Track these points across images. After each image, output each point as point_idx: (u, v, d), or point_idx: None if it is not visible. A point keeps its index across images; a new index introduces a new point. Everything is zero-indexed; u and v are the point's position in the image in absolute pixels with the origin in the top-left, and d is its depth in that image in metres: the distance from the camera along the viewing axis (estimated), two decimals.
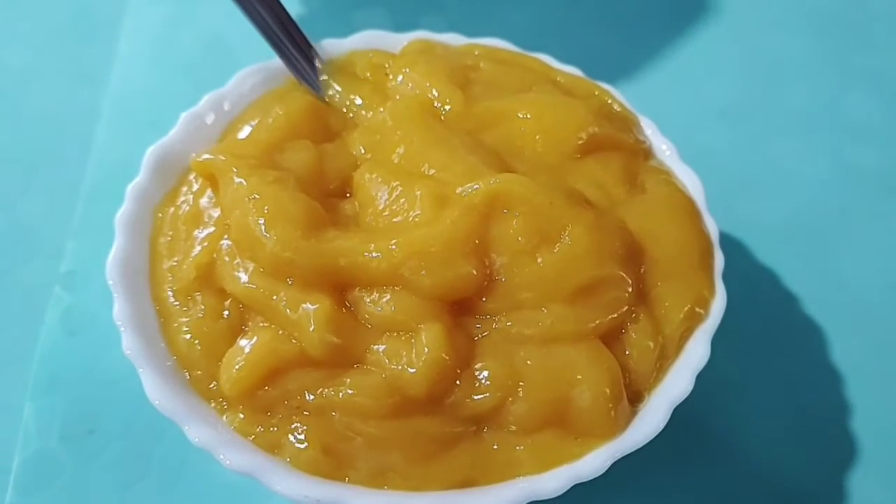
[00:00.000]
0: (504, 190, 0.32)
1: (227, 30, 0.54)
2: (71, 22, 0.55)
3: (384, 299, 0.31)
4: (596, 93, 0.41)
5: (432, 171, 0.34)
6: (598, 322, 0.32)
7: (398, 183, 0.34)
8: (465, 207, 0.32)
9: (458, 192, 0.33)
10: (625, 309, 0.33)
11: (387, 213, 0.33)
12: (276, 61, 0.40)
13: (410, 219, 0.33)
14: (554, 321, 0.32)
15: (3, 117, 0.50)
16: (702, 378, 0.33)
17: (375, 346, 0.31)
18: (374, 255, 0.31)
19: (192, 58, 0.53)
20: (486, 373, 0.31)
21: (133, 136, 0.47)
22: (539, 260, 0.32)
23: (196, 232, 0.35)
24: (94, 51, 0.53)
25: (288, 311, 0.31)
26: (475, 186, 0.33)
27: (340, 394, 0.31)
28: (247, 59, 0.41)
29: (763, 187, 0.48)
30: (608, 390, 0.32)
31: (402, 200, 0.33)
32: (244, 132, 0.38)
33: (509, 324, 0.32)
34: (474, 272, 0.31)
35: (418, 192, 0.33)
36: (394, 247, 0.31)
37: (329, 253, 0.31)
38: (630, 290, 0.33)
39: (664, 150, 0.39)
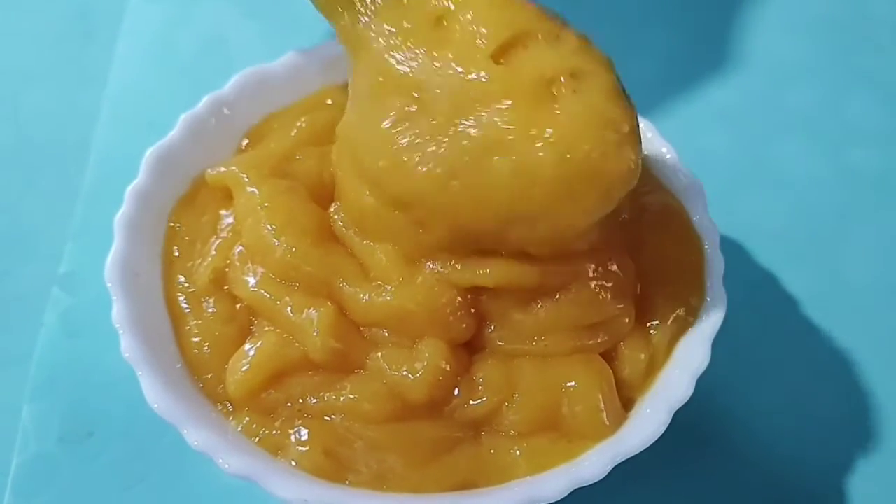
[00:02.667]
0: (490, 282, 0.32)
1: (227, 30, 0.54)
2: (69, 22, 0.54)
3: (380, 330, 0.32)
4: None
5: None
6: (595, 342, 0.33)
7: (363, 235, 0.33)
8: (441, 280, 0.32)
9: (429, 268, 0.32)
10: (623, 333, 0.34)
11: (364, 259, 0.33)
12: (276, 63, 0.40)
13: (388, 275, 0.32)
14: (549, 344, 0.33)
15: (1, 118, 0.50)
16: (702, 381, 0.33)
17: (376, 354, 0.32)
18: (364, 297, 0.32)
19: (192, 58, 0.53)
20: (482, 379, 0.32)
21: (132, 136, 0.47)
22: (538, 307, 0.32)
23: (213, 238, 0.36)
24: (92, 51, 0.53)
25: (292, 315, 0.32)
26: (446, 273, 0.32)
27: (342, 398, 0.32)
28: (246, 62, 0.41)
29: (763, 190, 0.48)
30: (600, 394, 0.32)
31: (374, 251, 0.33)
32: (261, 144, 0.39)
33: (500, 343, 0.33)
34: (464, 327, 0.32)
35: (382, 257, 0.32)
36: (378, 301, 0.31)
37: (331, 268, 0.32)
38: (630, 319, 0.34)
39: (664, 153, 0.39)
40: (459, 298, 0.32)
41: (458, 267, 0.32)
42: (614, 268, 0.33)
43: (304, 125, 0.38)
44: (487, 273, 0.32)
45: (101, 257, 0.34)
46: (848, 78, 0.54)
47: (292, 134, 0.38)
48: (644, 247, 0.36)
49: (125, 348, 0.32)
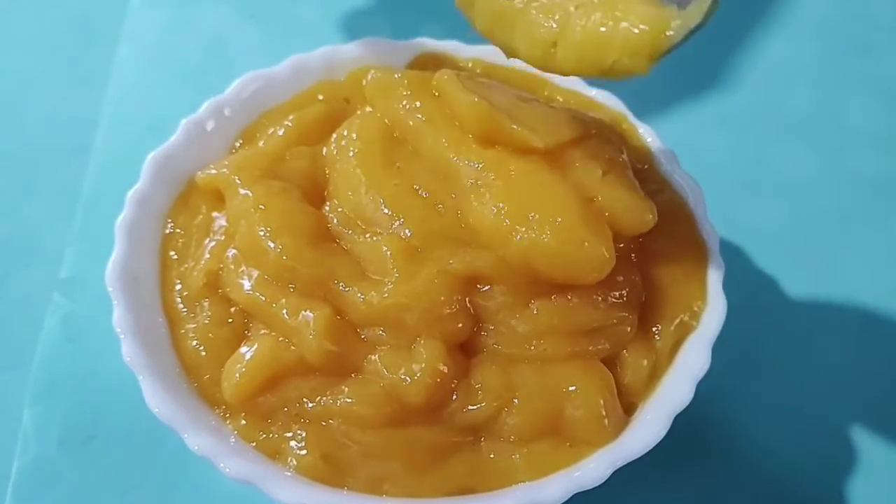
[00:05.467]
0: (483, 272, 0.32)
1: (227, 35, 0.54)
2: (70, 26, 0.55)
3: (378, 330, 0.32)
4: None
5: (397, 223, 0.33)
6: (595, 349, 0.33)
7: (364, 230, 0.33)
8: (442, 272, 0.32)
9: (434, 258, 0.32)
10: (625, 341, 0.33)
11: (367, 254, 0.33)
12: (276, 68, 0.40)
13: (387, 269, 0.32)
14: (548, 349, 0.32)
15: (2, 122, 0.50)
16: (702, 386, 0.33)
17: (373, 356, 0.32)
18: (360, 297, 0.32)
19: (192, 62, 0.53)
20: (481, 384, 0.32)
21: (133, 141, 0.47)
22: (535, 311, 0.32)
23: (206, 240, 0.36)
24: (93, 55, 0.53)
25: (288, 318, 0.32)
26: (450, 262, 0.32)
27: (339, 402, 0.31)
28: (247, 65, 0.41)
29: (763, 193, 0.48)
30: (601, 399, 0.32)
31: (375, 246, 0.33)
32: (252, 144, 0.38)
33: (497, 346, 0.32)
34: (461, 326, 0.32)
35: (386, 250, 0.32)
36: (375, 300, 0.31)
37: (327, 268, 0.32)
38: (632, 328, 0.33)
39: (664, 156, 0.39)
40: (457, 295, 0.32)
41: (458, 256, 0.32)
42: (619, 278, 0.33)
43: (291, 124, 0.38)
44: (487, 258, 0.32)
45: (101, 262, 0.35)
46: (846, 81, 0.54)
47: (281, 133, 0.37)
48: (651, 250, 0.36)
49: (126, 353, 0.32)
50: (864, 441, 0.40)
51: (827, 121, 0.52)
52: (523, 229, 0.31)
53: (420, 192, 0.33)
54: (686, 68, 0.54)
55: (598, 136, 0.35)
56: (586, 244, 0.31)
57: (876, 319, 0.44)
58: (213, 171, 0.36)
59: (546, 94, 0.41)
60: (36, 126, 0.50)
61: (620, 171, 0.35)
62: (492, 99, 0.34)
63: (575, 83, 0.41)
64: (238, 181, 0.35)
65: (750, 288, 0.44)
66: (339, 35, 0.53)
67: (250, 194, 0.34)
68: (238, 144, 0.39)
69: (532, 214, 0.31)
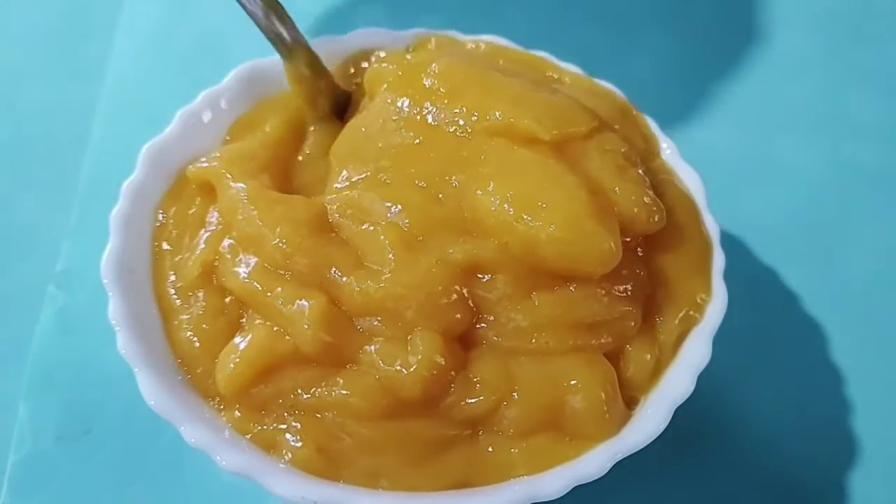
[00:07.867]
0: (484, 261, 0.31)
1: (224, 26, 0.53)
2: (67, 18, 0.54)
3: (373, 320, 0.31)
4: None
5: (396, 209, 0.32)
6: (598, 343, 0.32)
7: (362, 220, 0.33)
8: (441, 261, 0.31)
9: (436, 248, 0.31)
10: (629, 336, 0.33)
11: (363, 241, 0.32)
12: (273, 58, 0.40)
13: (385, 259, 0.31)
14: (549, 341, 0.32)
15: None
16: (703, 378, 0.33)
17: (369, 347, 0.31)
18: (356, 287, 0.31)
19: (189, 54, 0.52)
20: (480, 376, 0.31)
21: (129, 132, 0.46)
22: (535, 302, 0.32)
23: (202, 231, 0.35)
24: (89, 47, 0.53)
25: (283, 307, 0.31)
26: (450, 251, 0.31)
27: (334, 394, 0.31)
28: (243, 56, 0.41)
29: (764, 185, 0.48)
30: (603, 393, 0.32)
31: (374, 235, 0.32)
32: (247, 134, 0.38)
33: (497, 338, 0.32)
34: (459, 317, 0.31)
35: (384, 239, 0.31)
36: (371, 289, 0.31)
37: (325, 257, 0.32)
38: (636, 322, 0.33)
39: (664, 148, 0.39)
40: (456, 286, 0.31)
41: (459, 245, 0.31)
42: (624, 271, 0.33)
43: (277, 120, 0.37)
44: (488, 247, 0.31)
45: (97, 254, 0.34)
46: (848, 73, 0.53)
47: (267, 130, 0.37)
48: (652, 243, 0.35)
49: (121, 345, 0.32)
50: (864, 433, 0.40)
51: (828, 112, 0.52)
52: (529, 218, 0.31)
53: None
54: (688, 60, 0.54)
55: (609, 130, 0.35)
56: (593, 236, 0.31)
57: (877, 311, 0.44)
58: (205, 164, 0.36)
59: (550, 75, 0.41)
60: (32, 118, 0.50)
61: (630, 168, 0.34)
62: (496, 83, 0.34)
63: (579, 68, 0.41)
64: (229, 176, 0.34)
65: (751, 280, 0.44)
66: (336, 25, 0.53)
67: (245, 188, 0.33)
68: (233, 135, 0.39)
69: (539, 203, 0.31)
